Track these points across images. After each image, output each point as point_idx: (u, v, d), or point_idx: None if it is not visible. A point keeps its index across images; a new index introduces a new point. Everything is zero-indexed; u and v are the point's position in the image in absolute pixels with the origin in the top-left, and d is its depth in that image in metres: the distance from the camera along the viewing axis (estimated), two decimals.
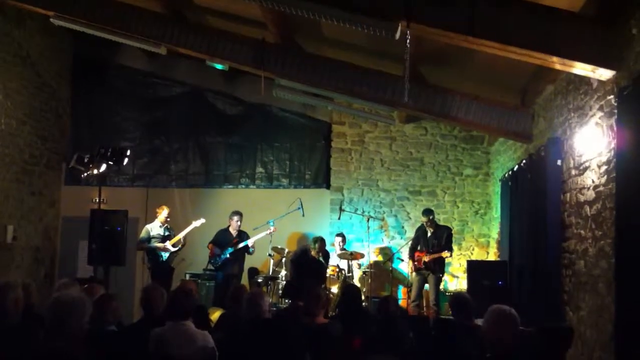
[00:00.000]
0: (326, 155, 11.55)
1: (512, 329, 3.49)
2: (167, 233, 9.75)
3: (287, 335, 4.08)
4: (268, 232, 10.00)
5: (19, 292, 4.16)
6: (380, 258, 10.98)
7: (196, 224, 9.90)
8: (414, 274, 9.85)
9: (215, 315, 6.29)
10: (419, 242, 9.71)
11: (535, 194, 7.03)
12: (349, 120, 11.33)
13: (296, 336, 4.12)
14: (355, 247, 10.81)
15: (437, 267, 9.57)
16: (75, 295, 3.34)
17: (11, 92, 9.67)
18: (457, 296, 5.59)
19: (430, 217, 9.61)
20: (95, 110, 11.76)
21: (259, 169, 11.71)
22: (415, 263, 9.64)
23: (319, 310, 4.65)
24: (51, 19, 8.22)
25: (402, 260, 10.58)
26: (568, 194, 6.11)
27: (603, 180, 5.07)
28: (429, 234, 9.61)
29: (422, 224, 9.83)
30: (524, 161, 7.93)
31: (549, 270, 6.30)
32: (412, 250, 9.82)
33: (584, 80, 5.64)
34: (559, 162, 6.37)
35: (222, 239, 9.97)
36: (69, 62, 11.66)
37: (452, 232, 9.84)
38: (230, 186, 11.70)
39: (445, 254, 9.31)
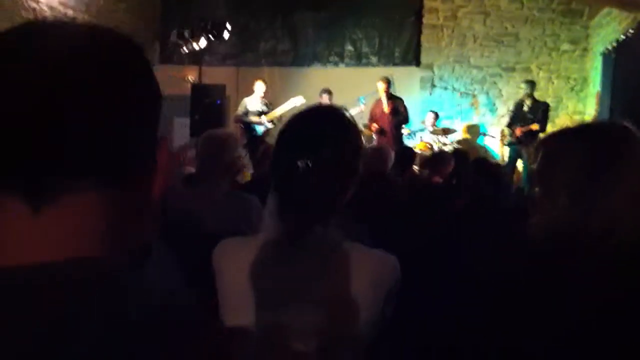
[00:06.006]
0: (416, 31, 11.31)
1: None
2: (264, 108, 9.80)
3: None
4: (358, 109, 9.99)
5: None
6: (468, 136, 10.93)
7: (296, 102, 9.61)
8: (504, 147, 9.81)
9: None
10: (515, 116, 9.54)
11: None
12: None
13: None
14: (445, 124, 10.75)
15: (530, 141, 9.43)
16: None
17: None
18: None
19: (532, 89, 9.39)
20: None
21: (348, 47, 11.61)
22: (507, 137, 9.56)
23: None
24: None
25: (486, 136, 10.54)
26: None
27: None
28: (525, 108, 9.42)
29: (519, 100, 9.63)
30: (630, 30, 7.60)
31: None
32: (509, 126, 9.69)
33: None
34: None
35: None
36: None
37: (549, 108, 9.60)
38: (319, 65, 11.68)
39: (534, 126, 9.13)
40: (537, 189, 1.50)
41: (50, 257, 0.65)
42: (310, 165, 1.43)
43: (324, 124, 1.55)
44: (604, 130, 1.52)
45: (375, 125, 9.58)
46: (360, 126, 9.54)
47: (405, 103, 9.72)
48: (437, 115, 10.41)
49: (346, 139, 1.52)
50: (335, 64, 11.66)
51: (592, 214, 1.35)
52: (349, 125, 1.57)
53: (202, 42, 8.00)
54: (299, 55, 11.74)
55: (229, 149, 3.18)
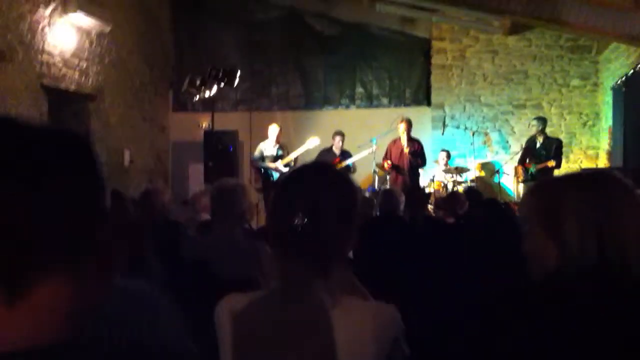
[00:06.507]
0: (426, 72, 11.43)
1: None
2: (280, 152, 9.81)
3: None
4: (370, 150, 10.02)
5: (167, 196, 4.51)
6: (482, 174, 10.92)
7: (311, 143, 9.77)
8: (520, 185, 9.78)
9: None
10: (528, 154, 9.52)
11: None
12: (449, 35, 11.11)
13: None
14: (458, 163, 10.76)
15: None
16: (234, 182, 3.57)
17: (120, 21, 9.97)
18: None
19: (543, 125, 9.41)
20: (195, 36, 11.99)
21: (359, 89, 11.75)
22: (521, 175, 9.54)
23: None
24: None
25: (499, 173, 10.50)
26: None
27: None
28: (537, 145, 9.40)
29: (531, 137, 9.62)
30: (639, 65, 7.63)
31: None
32: (521, 163, 9.66)
33: None
34: None
35: (326, 159, 10.08)
36: None
37: (562, 144, 9.59)
38: (330, 107, 11.80)
39: (550, 162, 9.12)
40: (536, 229, 1.53)
41: (23, 343, 0.73)
42: (306, 221, 1.45)
43: (318, 181, 1.57)
44: (608, 177, 1.56)
45: (389, 162, 9.60)
46: (374, 165, 9.66)
47: None
48: (449, 154, 10.42)
49: (341, 195, 1.55)
50: (347, 106, 11.79)
51: (606, 251, 1.39)
52: (344, 180, 1.60)
53: (214, 90, 8.11)
54: (311, 98, 11.89)
55: (239, 199, 3.30)
